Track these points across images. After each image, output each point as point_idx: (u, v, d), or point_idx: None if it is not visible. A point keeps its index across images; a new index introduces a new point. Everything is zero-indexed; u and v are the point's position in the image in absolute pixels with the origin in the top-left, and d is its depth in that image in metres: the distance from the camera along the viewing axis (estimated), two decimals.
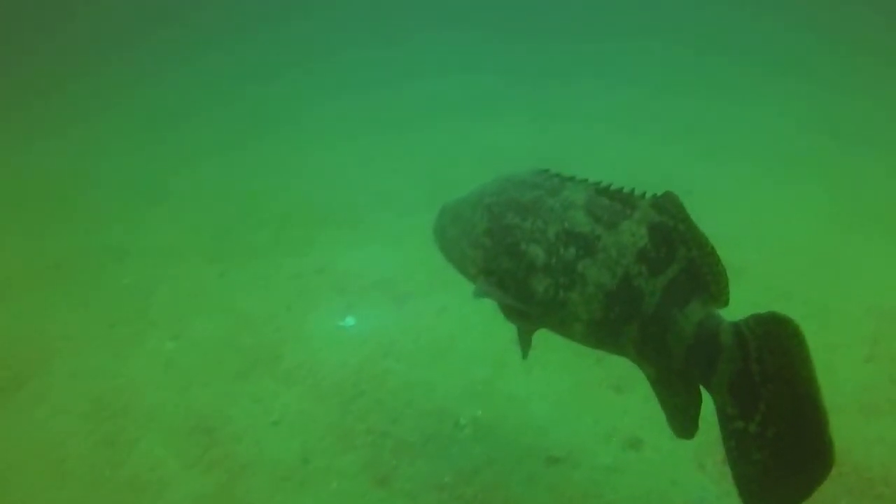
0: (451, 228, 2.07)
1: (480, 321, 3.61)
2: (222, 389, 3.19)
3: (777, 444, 1.50)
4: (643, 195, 1.72)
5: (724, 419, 1.58)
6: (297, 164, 5.83)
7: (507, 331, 3.51)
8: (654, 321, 1.65)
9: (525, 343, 2.11)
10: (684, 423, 1.69)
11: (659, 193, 1.69)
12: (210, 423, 2.99)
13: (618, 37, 10.40)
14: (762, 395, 1.52)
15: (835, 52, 8.79)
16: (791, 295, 3.73)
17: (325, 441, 2.89)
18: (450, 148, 6.17)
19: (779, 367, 1.49)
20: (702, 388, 1.65)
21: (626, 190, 1.74)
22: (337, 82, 8.46)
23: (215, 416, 3.02)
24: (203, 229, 4.72)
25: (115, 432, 2.94)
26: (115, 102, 7.57)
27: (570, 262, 1.73)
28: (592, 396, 3.11)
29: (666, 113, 6.90)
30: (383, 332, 3.58)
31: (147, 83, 8.37)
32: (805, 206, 4.81)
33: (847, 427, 2.80)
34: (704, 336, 1.59)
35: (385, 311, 3.77)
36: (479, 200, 1.98)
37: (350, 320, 3.71)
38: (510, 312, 1.97)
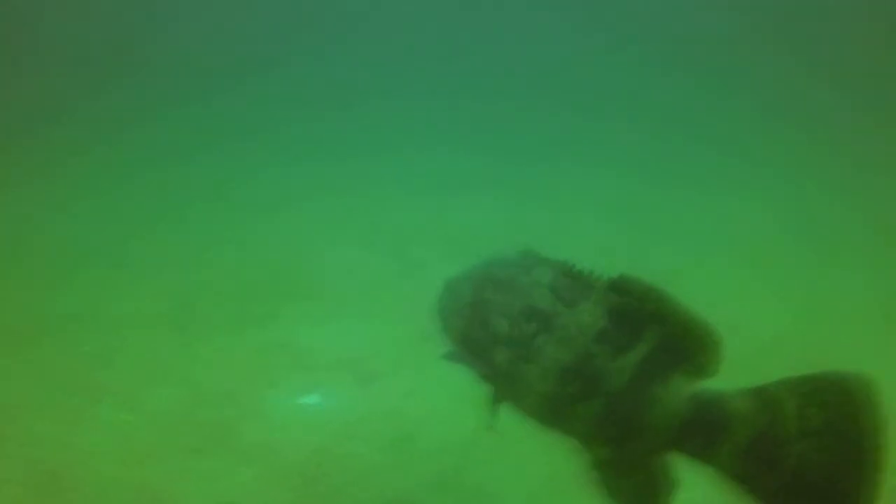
0: (445, 298, 2.22)
1: (450, 405, 3.62)
2: (178, 466, 3.10)
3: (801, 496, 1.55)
4: (601, 278, 1.82)
5: (737, 480, 1.62)
6: (263, 233, 5.86)
7: (478, 417, 3.53)
8: (626, 399, 1.70)
9: (491, 409, 2.19)
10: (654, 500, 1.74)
11: (615, 276, 1.79)
12: (163, 502, 2.89)
13: (604, 119, 10.62)
14: (791, 454, 1.56)
15: (817, 149, 9.05)
16: None
17: None
18: (421, 225, 6.25)
19: (828, 421, 1.55)
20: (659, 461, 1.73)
21: (588, 273, 1.85)
22: (308, 151, 8.55)
23: (169, 495, 2.93)
24: (165, 298, 4.67)
25: None
26: (74, 158, 7.52)
27: (530, 336, 1.83)
28: (569, 491, 3.08)
29: (639, 204, 7.05)
30: (347, 412, 3.56)
31: (108, 140, 8.33)
32: (782, 306, 4.89)
33: None
34: (705, 408, 1.66)
35: (350, 391, 3.75)
36: (469, 275, 2.15)
37: (313, 398, 3.68)
38: (477, 376, 2.10)
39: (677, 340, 1.70)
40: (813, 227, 6.46)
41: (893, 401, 1.59)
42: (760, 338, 4.43)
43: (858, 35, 13.27)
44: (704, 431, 1.65)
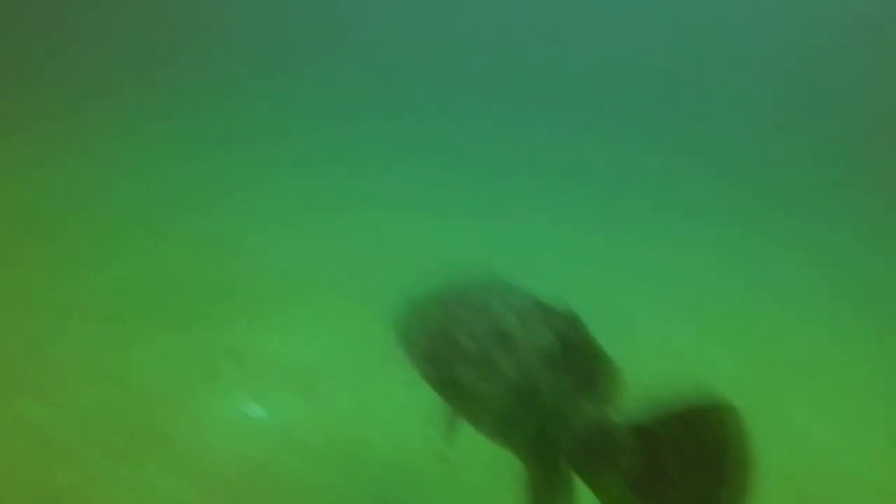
0: (409, 316, 2.32)
1: (401, 427, 3.43)
2: (92, 470, 2.84)
3: None
4: (557, 308, 1.98)
5: None
6: (229, 244, 5.64)
7: (429, 442, 3.35)
8: (551, 418, 1.83)
9: (448, 426, 2.34)
10: None
11: (566, 309, 1.96)
12: None
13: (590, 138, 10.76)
14: (673, 480, 1.69)
15: (767, 204, 9.31)
16: None
17: None
18: (390, 243, 6.12)
19: (703, 452, 1.68)
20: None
21: (548, 302, 2.00)
22: (282, 163, 8.40)
23: (75, 501, 2.66)
24: (118, 293, 4.40)
25: None
26: (55, 156, 7.27)
27: (493, 356, 1.93)
28: None
29: (608, 251, 7.09)
30: (292, 426, 3.33)
31: (92, 145, 8.13)
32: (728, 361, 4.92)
33: None
34: (600, 432, 1.76)
35: (298, 405, 3.53)
36: (437, 295, 2.28)
37: (257, 409, 3.45)
38: (439, 394, 2.15)
39: (591, 370, 1.85)
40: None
41: None
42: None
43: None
44: (595, 456, 1.75)
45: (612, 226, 7.63)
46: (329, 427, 3.37)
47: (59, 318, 3.98)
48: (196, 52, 13.33)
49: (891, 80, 13.93)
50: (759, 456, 1.67)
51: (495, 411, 1.90)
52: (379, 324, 2.68)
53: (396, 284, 2.79)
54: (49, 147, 7.55)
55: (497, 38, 15.89)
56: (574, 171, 9.39)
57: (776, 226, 8.42)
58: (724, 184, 9.85)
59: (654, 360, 4.56)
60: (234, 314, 4.38)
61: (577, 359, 1.87)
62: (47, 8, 13.25)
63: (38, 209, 5.68)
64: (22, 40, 11.63)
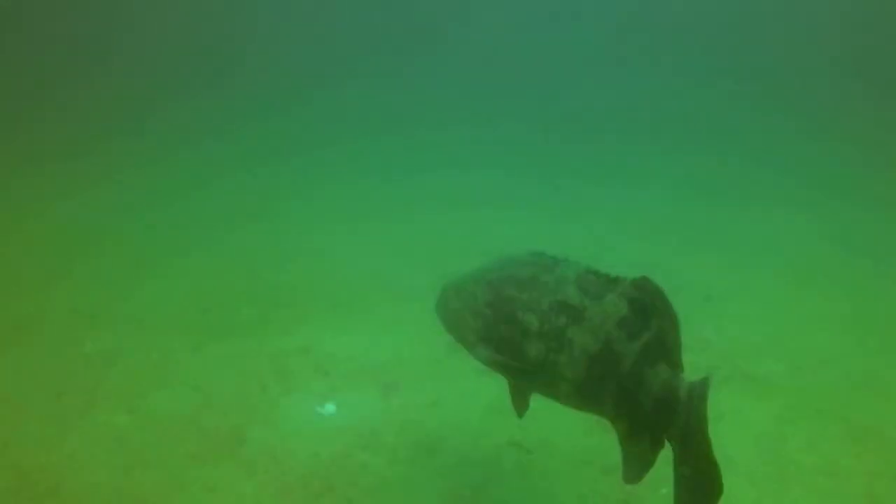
0: (453, 301, 2.37)
1: (475, 419, 3.35)
2: (173, 473, 2.90)
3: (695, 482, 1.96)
4: (624, 276, 2.07)
5: (675, 462, 1.98)
6: (296, 245, 5.73)
7: (505, 432, 3.26)
8: (630, 379, 1.98)
9: (519, 401, 2.41)
10: (640, 468, 2.02)
11: (636, 276, 2.04)
12: None
13: (640, 138, 10.58)
14: (695, 442, 1.94)
15: (868, 164, 8.82)
16: (825, 413, 3.45)
17: None
18: (458, 240, 6.07)
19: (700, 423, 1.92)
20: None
21: (607, 273, 2.10)
22: (349, 168, 8.50)
23: None
24: (185, 302, 4.54)
25: None
26: (109, 176, 7.60)
27: (560, 328, 2.05)
28: None
29: (684, 219, 6.83)
30: (364, 422, 3.31)
31: (157, 156, 8.48)
32: (829, 319, 4.60)
33: None
34: (669, 391, 1.95)
35: (369, 401, 3.51)
36: (481, 277, 2.30)
37: (329, 407, 3.45)
38: (506, 371, 2.25)
39: (668, 334, 1.99)
40: (859, 241, 6.17)
41: None
42: (807, 351, 4.16)
43: None
44: (665, 413, 1.96)
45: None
46: (403, 422, 3.33)
47: (134, 328, 4.12)
48: (259, 64, 13.91)
49: None
50: None
51: (572, 379, 2.03)
52: None
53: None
54: (110, 163, 7.91)
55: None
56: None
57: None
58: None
59: (731, 325, 4.31)
60: (302, 315, 4.42)
61: (654, 322, 1.98)
62: (84, 40, 14.05)
63: (100, 224, 5.95)
64: (62, 72, 12.39)
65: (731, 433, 3.19)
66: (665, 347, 1.98)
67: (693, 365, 2.31)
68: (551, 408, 3.31)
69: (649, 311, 1.98)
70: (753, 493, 2.92)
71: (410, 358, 3.93)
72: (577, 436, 3.19)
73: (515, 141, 10.26)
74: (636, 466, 2.02)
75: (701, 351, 3.99)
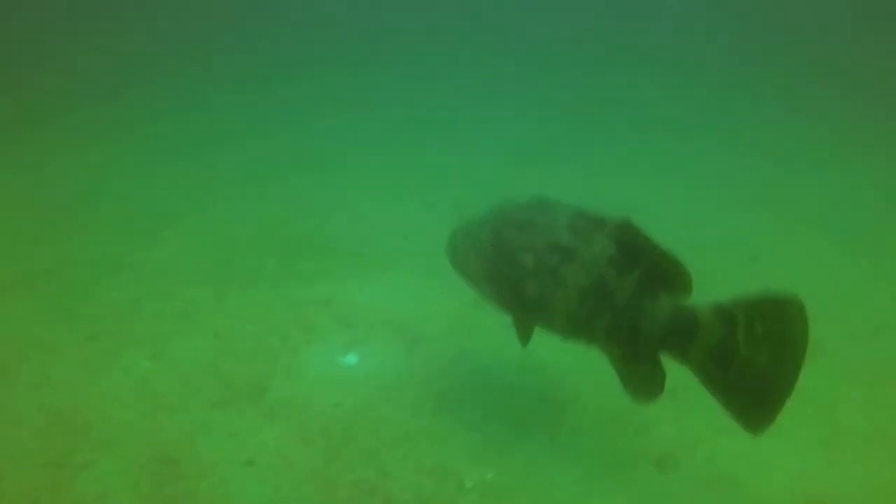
0: (461, 243, 2.63)
1: (503, 373, 3.34)
2: (195, 418, 2.95)
3: (741, 384, 2.14)
4: (611, 218, 2.30)
5: (704, 373, 2.19)
6: (320, 199, 5.71)
7: (535, 387, 3.24)
8: (627, 311, 2.24)
9: (522, 333, 2.59)
10: (651, 387, 2.27)
11: (617, 216, 2.29)
12: (174, 455, 2.74)
13: (690, 84, 10.30)
14: (741, 353, 2.13)
15: None
16: (879, 379, 3.35)
17: (302, 489, 2.61)
18: (490, 192, 5.99)
19: (769, 332, 2.11)
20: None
21: (598, 214, 2.33)
22: (383, 128, 8.39)
23: (182, 447, 2.78)
24: (208, 252, 4.58)
25: (66, 453, 2.72)
26: (141, 126, 7.65)
27: (554, 267, 2.29)
28: (629, 472, 2.77)
29: (732, 174, 6.64)
30: (387, 374, 3.33)
31: (177, 110, 8.51)
32: (884, 285, 4.44)
33: None
34: (681, 318, 2.19)
35: (392, 352, 3.52)
36: (485, 220, 2.56)
37: (351, 358, 3.47)
38: (508, 306, 2.50)
39: (662, 268, 2.22)
40: None
41: None
42: (860, 315, 4.05)
43: None
44: (680, 336, 2.20)
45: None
46: (424, 373, 3.34)
47: (158, 277, 4.18)
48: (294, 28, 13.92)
49: None
50: None
51: (565, 312, 2.30)
52: None
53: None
54: (154, 104, 8.00)
55: None
56: None
57: None
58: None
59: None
60: (326, 267, 4.43)
61: (641, 258, 2.22)
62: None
63: (126, 171, 6.03)
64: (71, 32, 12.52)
65: None
66: (664, 280, 2.22)
67: None
68: (582, 366, 3.31)
69: (635, 248, 2.23)
70: (800, 460, 2.86)
71: (436, 311, 3.92)
72: (609, 394, 3.15)
73: (552, 95, 10.05)
74: (646, 386, 2.28)
75: None
